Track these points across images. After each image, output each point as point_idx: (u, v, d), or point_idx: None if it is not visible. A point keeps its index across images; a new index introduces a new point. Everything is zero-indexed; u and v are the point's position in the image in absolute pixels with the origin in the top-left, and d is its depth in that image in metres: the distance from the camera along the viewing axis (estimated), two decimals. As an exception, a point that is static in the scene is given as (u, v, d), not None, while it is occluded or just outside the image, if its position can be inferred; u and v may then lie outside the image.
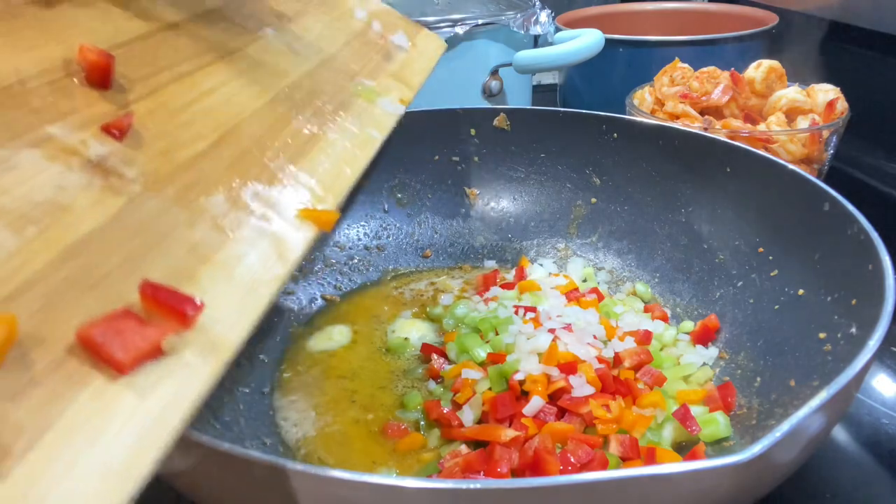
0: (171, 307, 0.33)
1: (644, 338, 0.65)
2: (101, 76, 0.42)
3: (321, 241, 0.82)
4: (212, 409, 0.54)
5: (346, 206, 0.84)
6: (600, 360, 0.60)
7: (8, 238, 0.31)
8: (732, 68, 0.95)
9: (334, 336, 0.71)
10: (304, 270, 0.79)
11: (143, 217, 0.37)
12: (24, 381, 0.27)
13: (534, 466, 0.50)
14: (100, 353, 0.29)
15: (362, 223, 0.85)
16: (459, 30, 0.95)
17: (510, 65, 0.95)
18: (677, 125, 0.78)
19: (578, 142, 0.82)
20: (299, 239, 0.42)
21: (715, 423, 0.55)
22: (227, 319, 0.35)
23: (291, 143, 0.50)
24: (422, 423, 0.59)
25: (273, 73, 0.57)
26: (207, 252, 0.37)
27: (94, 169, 0.37)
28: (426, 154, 0.86)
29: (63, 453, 0.26)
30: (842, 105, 0.87)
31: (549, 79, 1.53)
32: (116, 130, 0.40)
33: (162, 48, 0.50)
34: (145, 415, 0.29)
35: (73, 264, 0.32)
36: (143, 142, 0.41)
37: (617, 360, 0.62)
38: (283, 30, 0.63)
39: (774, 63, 0.93)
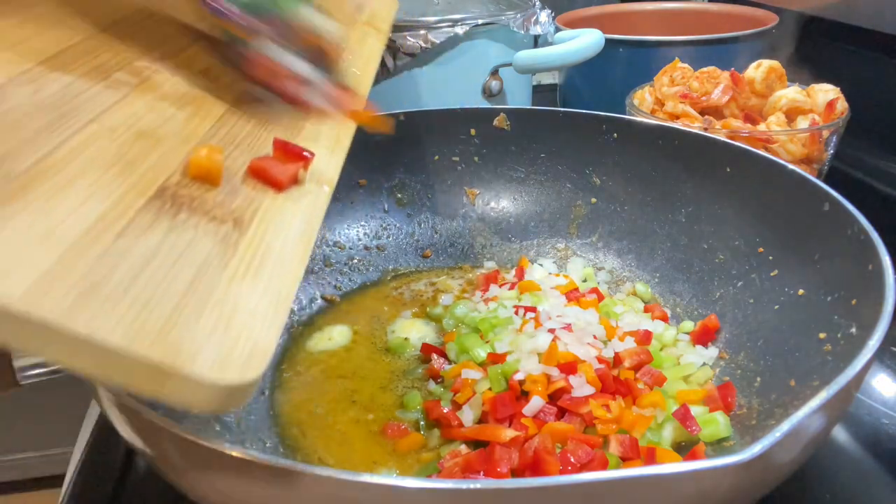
0: (295, 154, 0.49)
1: (644, 338, 0.65)
2: None
3: (321, 241, 0.82)
4: (212, 409, 0.54)
5: (346, 206, 0.84)
6: (600, 360, 0.60)
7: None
8: (732, 68, 0.95)
9: (334, 336, 0.71)
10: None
11: (253, 104, 0.54)
12: (230, 189, 0.44)
13: (534, 466, 0.50)
14: (266, 176, 0.46)
15: (362, 223, 0.85)
16: (459, 30, 0.95)
17: (510, 65, 0.94)
18: (677, 125, 0.78)
19: (578, 142, 0.82)
20: (349, 128, 0.61)
21: (715, 423, 0.55)
22: (325, 163, 0.53)
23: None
24: (422, 423, 0.59)
25: None
26: (299, 128, 0.55)
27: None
28: (426, 154, 0.86)
29: (273, 224, 0.43)
30: (842, 105, 0.87)
31: (549, 79, 1.53)
32: None
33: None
34: (302, 213, 0.46)
35: (223, 131, 0.49)
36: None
37: (617, 360, 0.62)
38: None
39: (774, 63, 0.93)
